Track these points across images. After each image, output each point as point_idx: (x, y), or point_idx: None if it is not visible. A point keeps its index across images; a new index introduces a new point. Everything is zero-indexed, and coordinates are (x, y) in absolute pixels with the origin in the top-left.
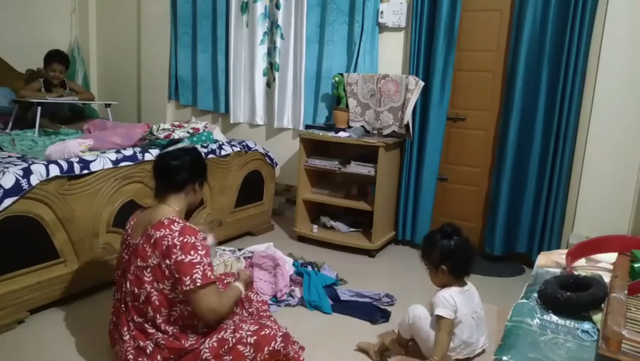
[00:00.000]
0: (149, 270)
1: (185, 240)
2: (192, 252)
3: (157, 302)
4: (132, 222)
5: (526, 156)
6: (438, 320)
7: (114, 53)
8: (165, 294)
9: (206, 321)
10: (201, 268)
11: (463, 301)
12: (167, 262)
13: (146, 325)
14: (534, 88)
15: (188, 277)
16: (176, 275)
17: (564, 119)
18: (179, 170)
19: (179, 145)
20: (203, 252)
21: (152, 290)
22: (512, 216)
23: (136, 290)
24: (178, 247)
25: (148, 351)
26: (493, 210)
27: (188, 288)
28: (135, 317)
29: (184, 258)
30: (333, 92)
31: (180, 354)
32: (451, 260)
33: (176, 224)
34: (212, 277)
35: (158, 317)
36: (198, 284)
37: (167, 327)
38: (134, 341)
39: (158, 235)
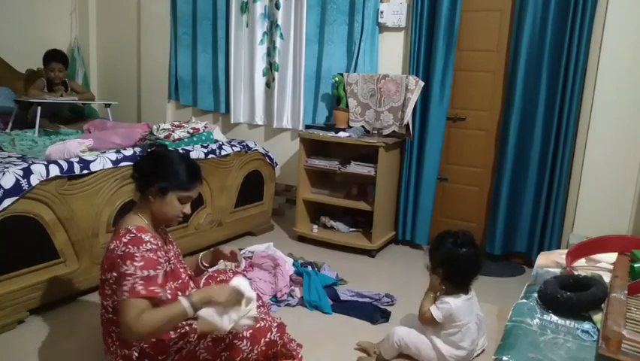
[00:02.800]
0: (106, 284)
1: (127, 250)
2: (128, 262)
3: None
4: (114, 230)
5: (526, 155)
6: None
7: (114, 53)
8: None
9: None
10: (131, 281)
11: (468, 309)
12: (115, 275)
13: None
14: (534, 88)
15: (120, 288)
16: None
17: (564, 119)
18: (137, 170)
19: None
20: (141, 263)
21: (117, 303)
22: (512, 217)
23: (104, 302)
24: (120, 257)
25: (134, 357)
26: (493, 210)
27: (119, 300)
28: (114, 327)
29: (120, 269)
30: (333, 92)
31: (169, 353)
32: (449, 268)
33: (128, 235)
34: (144, 291)
35: None
36: (124, 297)
37: None
38: (120, 350)
39: (110, 247)
